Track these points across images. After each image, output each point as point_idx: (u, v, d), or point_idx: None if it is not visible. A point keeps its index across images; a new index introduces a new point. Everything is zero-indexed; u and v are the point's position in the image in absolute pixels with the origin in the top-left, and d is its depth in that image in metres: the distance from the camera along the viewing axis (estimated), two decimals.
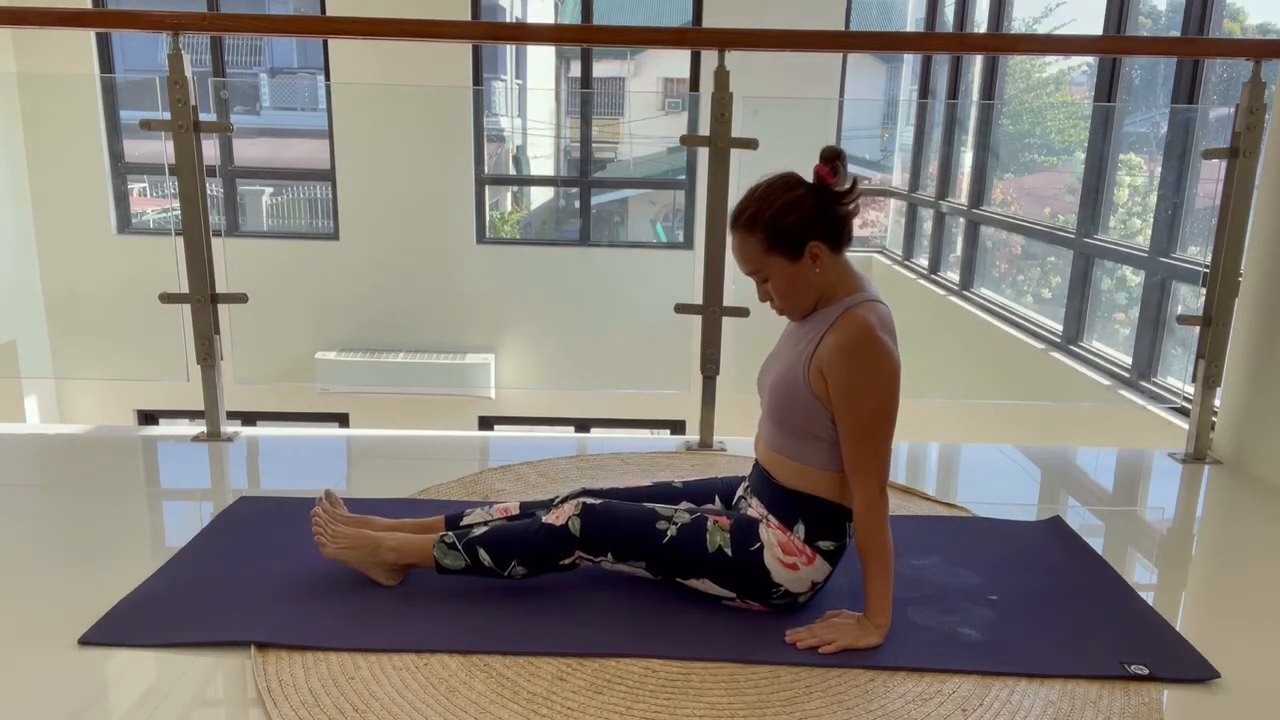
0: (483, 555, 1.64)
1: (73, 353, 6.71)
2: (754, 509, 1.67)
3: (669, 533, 1.61)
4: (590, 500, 1.65)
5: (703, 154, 2.49)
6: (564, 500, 1.77)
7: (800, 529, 1.61)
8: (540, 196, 8.75)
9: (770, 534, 1.61)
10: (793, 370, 1.60)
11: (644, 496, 1.78)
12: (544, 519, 1.65)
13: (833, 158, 1.55)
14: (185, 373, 2.65)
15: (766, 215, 1.55)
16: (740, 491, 1.77)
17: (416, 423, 6.20)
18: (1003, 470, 2.64)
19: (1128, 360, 3.83)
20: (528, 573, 1.65)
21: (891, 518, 2.10)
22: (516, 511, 1.79)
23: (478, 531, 1.66)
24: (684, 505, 1.70)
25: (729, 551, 1.60)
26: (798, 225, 1.55)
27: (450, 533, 1.67)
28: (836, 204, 1.57)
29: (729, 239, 1.63)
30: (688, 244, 6.86)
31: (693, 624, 1.62)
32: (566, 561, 1.64)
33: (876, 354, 1.53)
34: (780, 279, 1.58)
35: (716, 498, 1.80)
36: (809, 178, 1.59)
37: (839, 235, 1.59)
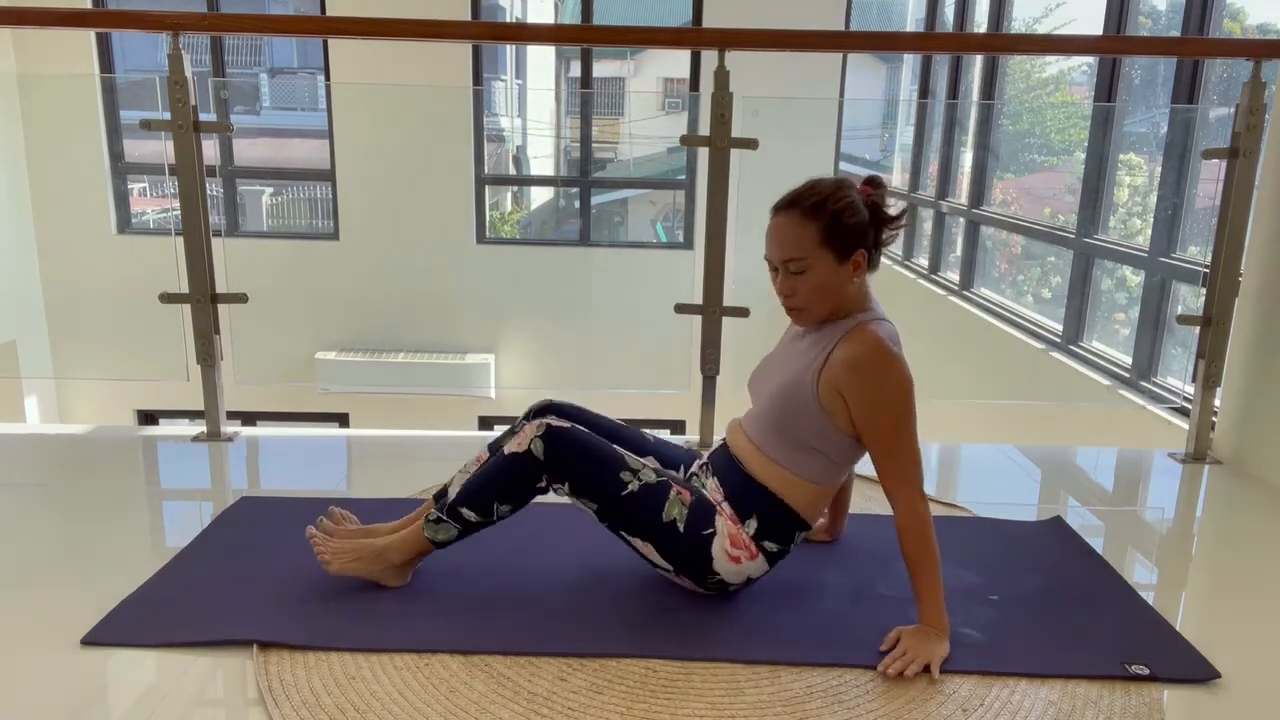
0: (466, 514, 1.63)
1: (73, 353, 6.71)
2: (710, 490, 1.66)
3: (631, 486, 1.60)
4: (555, 422, 1.62)
5: (703, 154, 2.49)
6: (526, 419, 1.77)
7: (752, 524, 1.61)
8: (540, 196, 8.75)
9: (723, 523, 1.61)
10: (799, 382, 1.59)
11: (614, 433, 1.76)
12: (506, 449, 1.63)
13: (876, 184, 1.60)
14: (185, 373, 2.65)
15: (832, 208, 1.55)
16: (695, 468, 1.75)
17: (416, 423, 6.19)
18: (1003, 470, 2.64)
19: (1128, 360, 3.83)
20: (512, 508, 1.64)
21: (893, 517, 2.11)
22: (488, 456, 1.78)
23: (454, 494, 1.66)
24: (652, 463, 1.68)
25: (681, 527, 1.60)
26: (856, 229, 1.56)
27: (434, 509, 1.67)
28: (885, 225, 1.60)
29: (772, 222, 1.59)
30: (688, 244, 6.87)
31: (693, 624, 1.62)
32: (540, 485, 1.62)
33: (890, 366, 1.54)
34: (819, 276, 1.57)
35: (681, 468, 1.78)
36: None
37: (877, 256, 1.61)
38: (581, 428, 1.65)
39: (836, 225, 1.55)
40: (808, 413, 1.58)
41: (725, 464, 1.68)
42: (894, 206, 1.61)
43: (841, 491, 1.93)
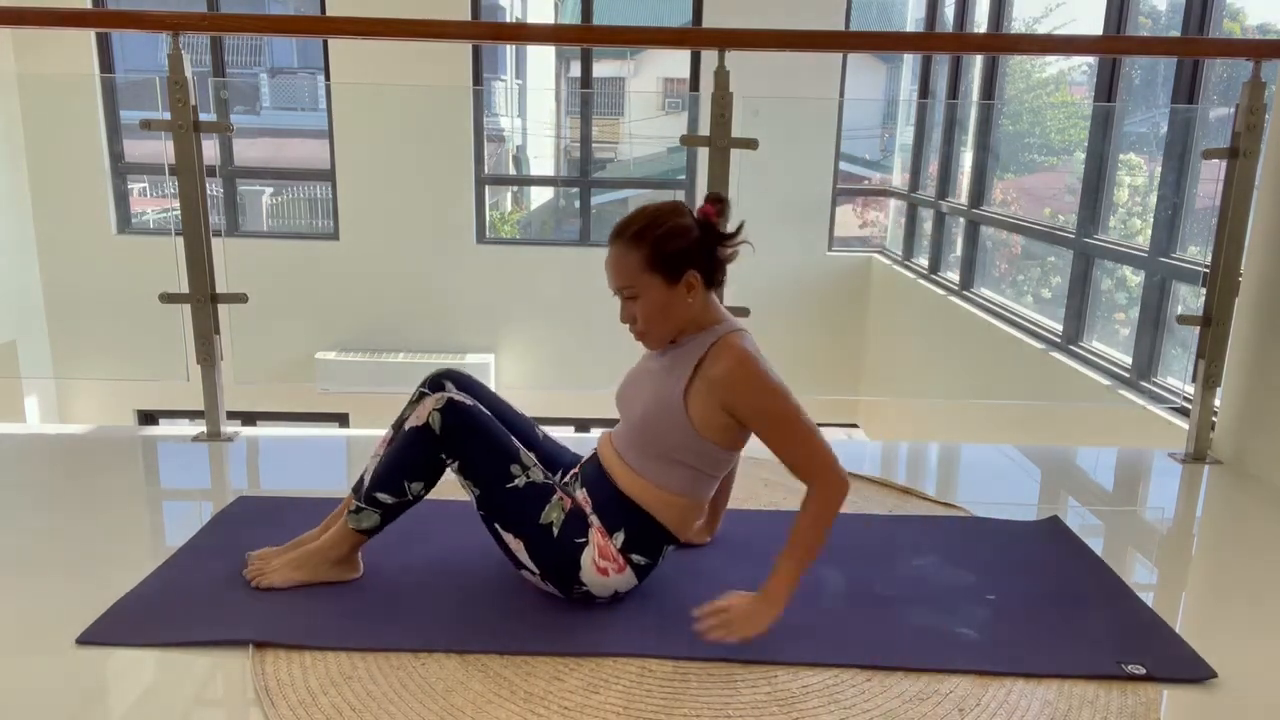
0: (382, 498, 1.64)
1: (73, 353, 6.71)
2: (580, 498, 1.66)
3: (517, 480, 1.61)
4: (458, 396, 1.63)
5: (703, 154, 2.49)
6: (425, 388, 1.77)
7: (620, 537, 1.62)
8: (540, 196, 8.75)
9: (594, 535, 1.62)
10: (667, 402, 1.60)
11: (506, 417, 1.76)
12: (407, 423, 1.64)
13: (717, 200, 1.62)
14: (185, 373, 2.66)
15: (654, 234, 1.58)
16: (566, 476, 1.75)
17: None
18: (1003, 470, 2.64)
19: (1128, 360, 3.83)
20: (424, 485, 1.64)
21: (891, 518, 2.11)
22: (391, 435, 1.78)
23: (368, 479, 1.67)
24: (540, 466, 1.68)
25: (556, 531, 1.61)
26: (681, 251, 1.58)
27: (354, 499, 1.68)
28: (719, 244, 1.62)
29: (607, 252, 1.63)
30: None
31: (689, 623, 1.61)
32: (444, 459, 1.62)
33: (760, 369, 1.57)
34: (651, 301, 1.59)
35: (561, 472, 1.78)
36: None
37: (714, 273, 1.63)
38: (483, 408, 1.66)
39: (659, 251, 1.57)
40: (677, 429, 1.60)
41: (595, 476, 1.68)
42: (730, 225, 1.62)
43: (717, 493, 1.90)
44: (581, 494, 1.67)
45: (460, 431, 1.60)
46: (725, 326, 1.63)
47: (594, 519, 1.63)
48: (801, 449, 1.57)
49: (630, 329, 1.66)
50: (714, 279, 1.63)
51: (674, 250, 1.58)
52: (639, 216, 1.61)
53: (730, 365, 1.57)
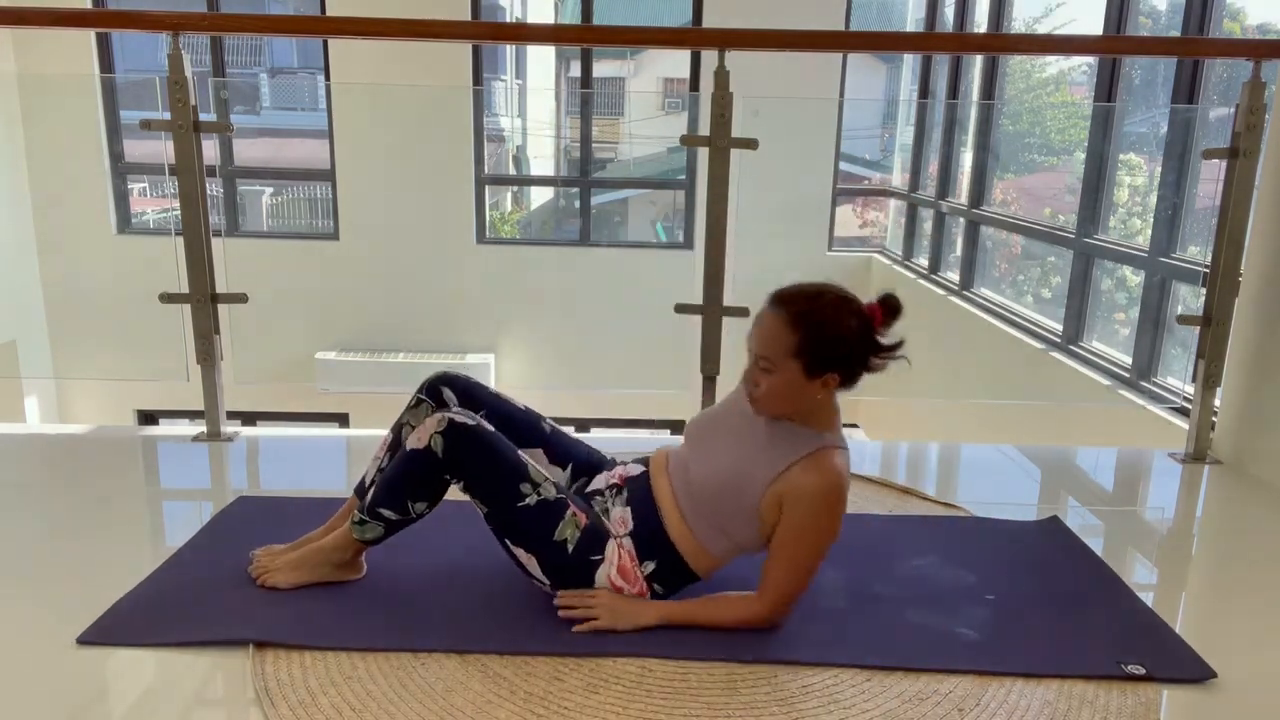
0: (386, 513, 1.62)
1: (73, 353, 6.72)
2: (615, 517, 1.64)
3: (528, 499, 1.59)
4: (458, 417, 1.59)
5: (703, 154, 2.49)
6: (424, 394, 1.76)
7: (650, 565, 1.62)
8: (540, 196, 8.75)
9: (617, 553, 1.61)
10: (746, 484, 1.57)
11: (509, 415, 1.75)
12: (408, 444, 1.62)
13: (891, 308, 1.55)
14: (185, 373, 2.66)
15: (816, 325, 1.52)
16: (604, 484, 1.71)
17: None
18: (1003, 470, 2.64)
19: (1128, 360, 3.83)
20: (428, 505, 1.63)
21: (891, 518, 2.12)
22: (391, 438, 1.77)
23: (372, 493, 1.65)
24: (552, 479, 1.66)
25: (570, 548, 1.60)
26: (835, 353, 1.53)
27: (357, 510, 1.67)
28: (873, 354, 1.56)
29: (763, 310, 1.57)
30: (688, 244, 6.86)
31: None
32: (449, 479, 1.61)
33: (835, 514, 1.56)
34: (784, 382, 1.54)
35: (570, 466, 1.76)
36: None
37: (854, 380, 1.57)
38: (487, 425, 1.62)
39: (814, 345, 1.51)
40: (741, 511, 1.58)
41: (643, 503, 1.65)
42: (890, 336, 1.56)
43: None
44: (622, 512, 1.65)
45: (463, 453, 1.58)
46: (833, 438, 1.59)
47: (626, 541, 1.62)
48: (785, 577, 1.57)
49: (747, 388, 1.59)
50: (849, 384, 1.57)
51: (828, 350, 1.52)
52: (806, 298, 1.54)
53: (815, 490, 1.54)
